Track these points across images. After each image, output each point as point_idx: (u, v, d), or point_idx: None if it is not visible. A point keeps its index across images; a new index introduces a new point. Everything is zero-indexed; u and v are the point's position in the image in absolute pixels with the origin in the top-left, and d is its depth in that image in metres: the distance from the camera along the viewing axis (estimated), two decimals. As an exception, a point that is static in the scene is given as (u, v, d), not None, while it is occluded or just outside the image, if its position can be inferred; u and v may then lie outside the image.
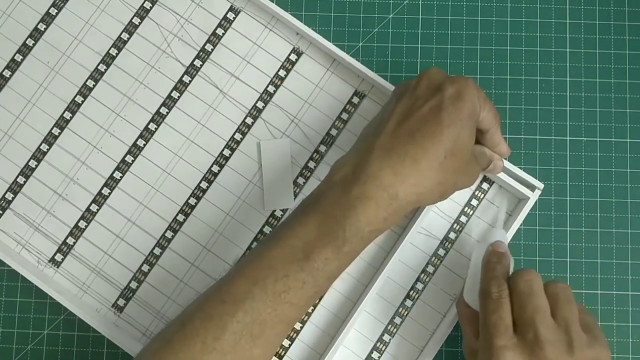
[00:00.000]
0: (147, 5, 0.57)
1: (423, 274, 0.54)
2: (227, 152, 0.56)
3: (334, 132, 0.56)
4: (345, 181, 0.43)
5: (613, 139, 0.56)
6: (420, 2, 0.58)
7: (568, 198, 0.55)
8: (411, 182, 0.43)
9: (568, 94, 0.56)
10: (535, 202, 0.53)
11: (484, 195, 0.55)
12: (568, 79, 0.57)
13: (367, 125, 0.48)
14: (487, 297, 0.46)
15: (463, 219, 0.54)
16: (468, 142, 0.45)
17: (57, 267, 0.55)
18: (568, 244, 0.55)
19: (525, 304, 0.44)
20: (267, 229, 0.55)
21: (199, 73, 0.57)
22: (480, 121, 0.47)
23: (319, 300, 0.54)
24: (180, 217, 0.55)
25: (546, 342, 0.43)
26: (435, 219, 0.54)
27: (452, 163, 0.44)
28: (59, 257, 0.55)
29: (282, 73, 0.56)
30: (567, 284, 0.47)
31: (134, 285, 0.55)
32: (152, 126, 0.56)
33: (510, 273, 0.48)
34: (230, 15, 0.57)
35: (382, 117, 0.46)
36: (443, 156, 0.43)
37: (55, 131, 0.56)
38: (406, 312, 0.54)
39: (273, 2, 0.57)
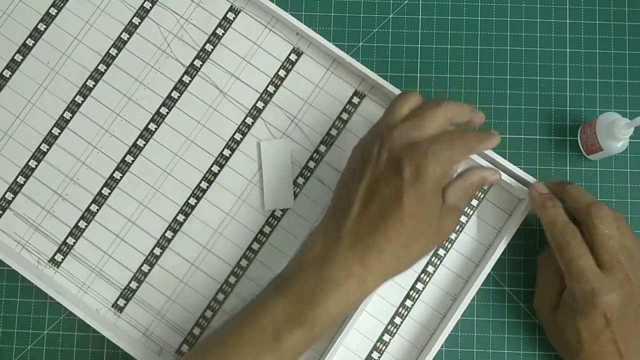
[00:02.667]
0: (147, 5, 0.57)
1: (423, 274, 0.54)
2: (227, 152, 0.56)
3: (334, 132, 0.56)
4: (315, 263, 0.45)
5: (613, 139, 0.56)
6: (420, 2, 0.58)
7: (568, 198, 0.55)
8: (378, 272, 0.45)
9: (568, 93, 0.56)
10: (535, 202, 0.53)
11: (484, 195, 0.55)
12: (568, 79, 0.57)
13: (341, 177, 0.48)
14: (566, 246, 0.48)
15: (463, 219, 0.54)
16: (432, 216, 0.45)
17: (57, 267, 0.55)
18: (568, 244, 0.55)
19: (608, 246, 0.47)
20: (267, 229, 0.55)
21: (199, 73, 0.57)
22: (455, 170, 0.47)
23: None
24: (180, 217, 0.55)
25: (632, 276, 0.47)
26: (435, 219, 0.54)
27: (417, 245, 0.45)
28: (59, 257, 0.55)
29: (282, 73, 0.56)
30: (620, 214, 0.49)
31: (134, 285, 0.55)
32: (152, 126, 0.56)
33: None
34: (230, 15, 0.57)
35: (348, 183, 0.46)
36: (407, 244, 0.45)
37: (55, 131, 0.56)
38: (406, 312, 0.54)
39: (273, 2, 0.57)
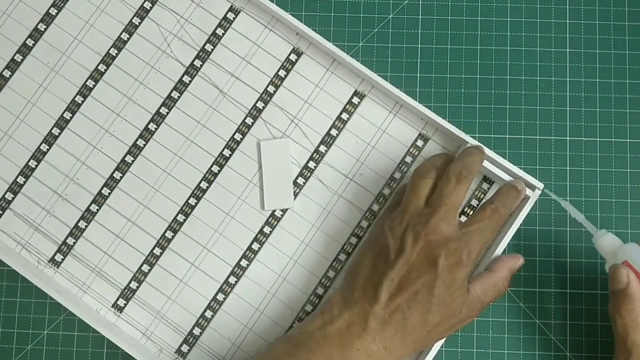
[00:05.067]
0: (147, 5, 0.57)
1: (423, 274, 0.54)
2: (227, 152, 0.56)
3: (334, 132, 0.56)
4: (340, 337, 0.46)
5: (613, 139, 0.56)
6: (420, 2, 0.58)
7: (568, 198, 0.55)
8: (398, 353, 0.47)
9: (568, 94, 0.57)
10: (535, 202, 0.53)
11: (484, 195, 0.55)
12: (568, 79, 0.57)
13: (368, 249, 0.49)
14: None
15: (463, 219, 0.54)
16: (457, 308, 0.47)
17: (57, 267, 0.55)
18: (568, 244, 0.55)
19: None
20: (267, 229, 0.55)
21: (199, 73, 0.57)
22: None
23: (318, 300, 0.54)
24: (180, 217, 0.55)
25: None
26: (435, 219, 0.54)
27: (437, 331, 0.47)
28: (59, 257, 0.55)
29: (282, 73, 0.56)
30: None
31: (134, 285, 0.55)
32: (152, 126, 0.56)
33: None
34: (230, 15, 0.57)
35: (376, 262, 0.48)
36: (430, 330, 0.47)
37: (55, 131, 0.56)
38: (406, 312, 0.54)
39: (273, 2, 0.58)
